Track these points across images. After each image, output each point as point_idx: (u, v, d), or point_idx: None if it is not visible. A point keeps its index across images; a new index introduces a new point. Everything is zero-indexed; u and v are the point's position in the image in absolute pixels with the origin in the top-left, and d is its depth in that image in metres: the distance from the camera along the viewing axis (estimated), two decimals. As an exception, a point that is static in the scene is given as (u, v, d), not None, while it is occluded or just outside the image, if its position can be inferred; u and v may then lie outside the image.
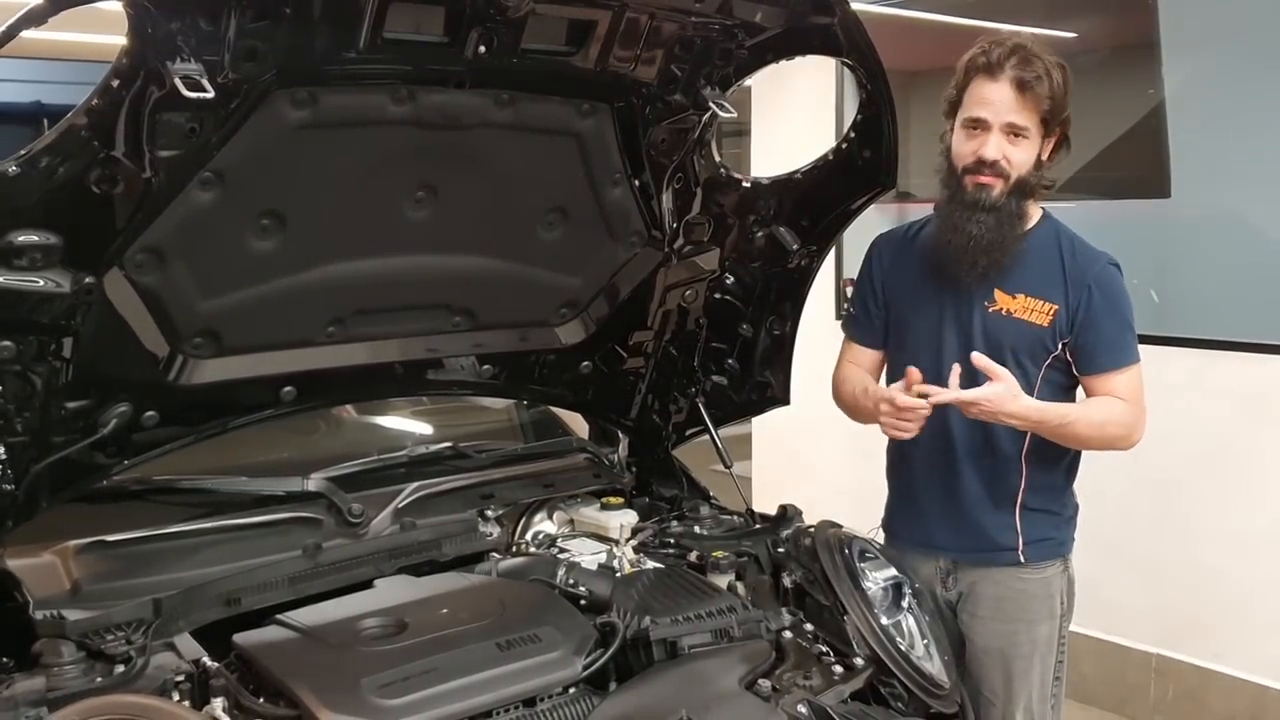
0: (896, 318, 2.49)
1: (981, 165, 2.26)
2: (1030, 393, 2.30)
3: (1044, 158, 2.30)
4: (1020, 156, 2.26)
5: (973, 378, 2.25)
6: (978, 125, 2.27)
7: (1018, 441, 2.36)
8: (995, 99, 2.23)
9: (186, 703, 1.71)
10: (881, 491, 2.62)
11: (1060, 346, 2.32)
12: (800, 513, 2.49)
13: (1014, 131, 2.24)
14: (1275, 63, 3.51)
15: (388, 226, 2.08)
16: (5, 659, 1.77)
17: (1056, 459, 2.39)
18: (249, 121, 1.76)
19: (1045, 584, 2.41)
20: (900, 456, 2.53)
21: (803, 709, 1.89)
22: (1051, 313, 2.31)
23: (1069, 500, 2.47)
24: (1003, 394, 2.21)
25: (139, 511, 2.15)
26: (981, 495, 2.40)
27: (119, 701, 1.59)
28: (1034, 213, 2.37)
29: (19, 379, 1.79)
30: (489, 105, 2.00)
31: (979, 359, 2.22)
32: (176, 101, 1.60)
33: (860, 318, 2.57)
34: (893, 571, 2.27)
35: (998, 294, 2.33)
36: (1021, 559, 2.39)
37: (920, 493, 2.49)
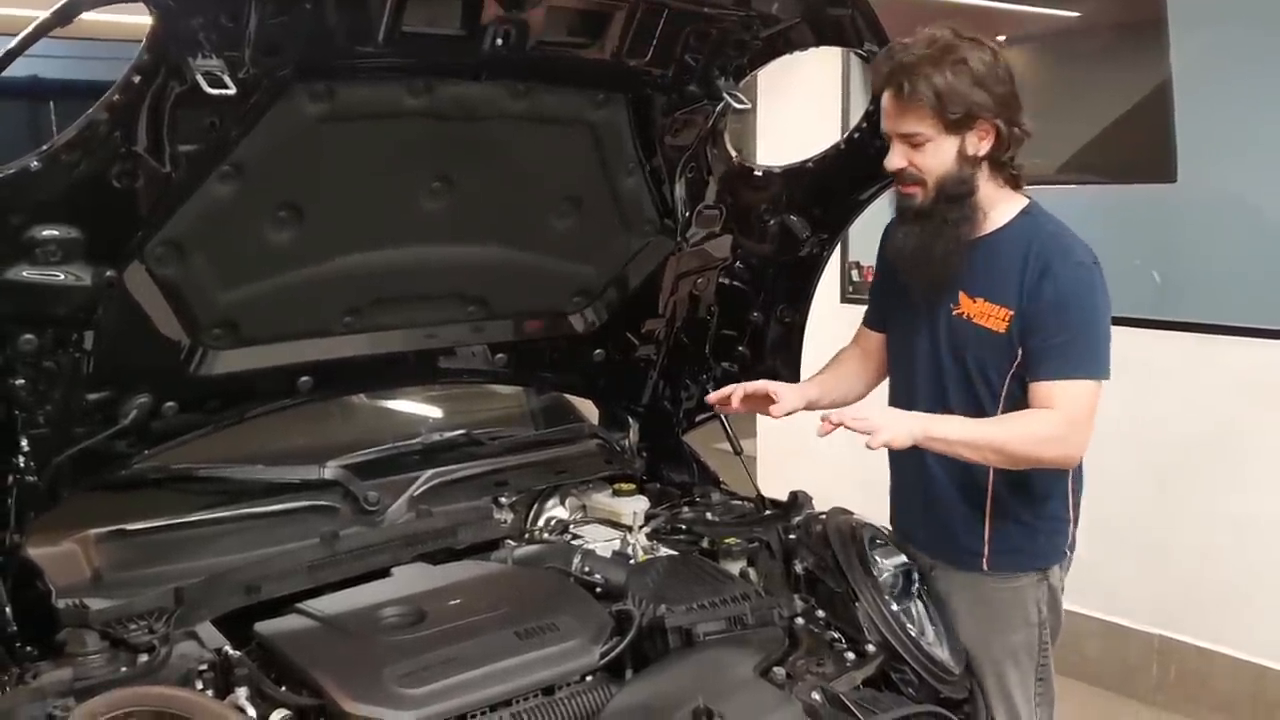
0: (891, 306, 2.41)
1: (897, 175, 2.19)
2: (995, 405, 2.18)
3: (975, 153, 2.10)
4: (929, 160, 2.11)
5: (939, 380, 2.21)
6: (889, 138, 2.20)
7: None
8: (887, 109, 2.15)
9: (210, 692, 1.73)
10: (885, 474, 2.63)
11: (1020, 354, 2.13)
12: (810, 499, 2.50)
13: (908, 140, 2.13)
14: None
15: (404, 217, 2.10)
16: (29, 648, 1.79)
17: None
18: (268, 115, 1.77)
19: (1017, 594, 2.26)
20: (891, 455, 2.42)
21: (816, 696, 1.92)
22: (1007, 319, 2.12)
23: (1052, 512, 2.27)
24: (875, 412, 2.07)
25: (158, 500, 2.17)
26: (950, 497, 2.28)
27: (146, 693, 1.61)
28: (1005, 210, 2.17)
29: (41, 372, 1.80)
30: (504, 97, 2.01)
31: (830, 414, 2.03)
32: (197, 97, 1.61)
33: (871, 299, 2.51)
34: (903, 558, 2.29)
35: (962, 297, 2.18)
36: (985, 567, 2.25)
37: (903, 492, 2.45)
